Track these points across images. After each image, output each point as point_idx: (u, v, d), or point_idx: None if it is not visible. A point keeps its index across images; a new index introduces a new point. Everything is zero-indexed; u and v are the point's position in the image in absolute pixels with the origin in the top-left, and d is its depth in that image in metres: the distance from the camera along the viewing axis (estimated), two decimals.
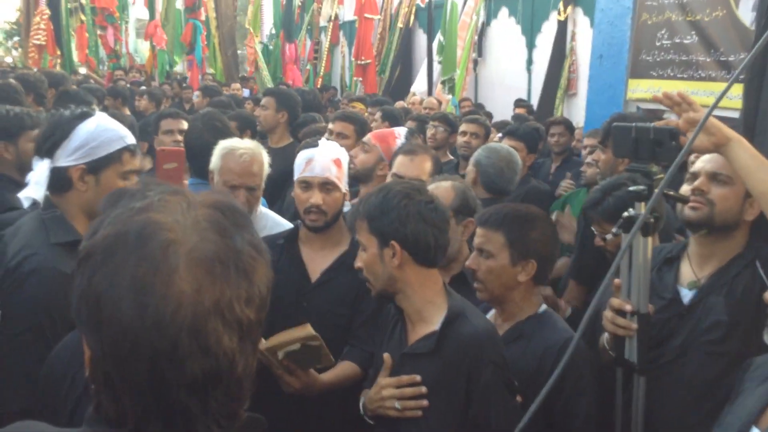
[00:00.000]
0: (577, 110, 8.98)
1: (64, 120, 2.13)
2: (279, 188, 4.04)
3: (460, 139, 5.07)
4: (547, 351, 2.13)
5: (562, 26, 9.38)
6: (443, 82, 11.06)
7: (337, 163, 2.65)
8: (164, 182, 0.97)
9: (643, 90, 6.54)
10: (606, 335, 2.22)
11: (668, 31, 6.30)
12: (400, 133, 3.74)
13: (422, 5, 12.56)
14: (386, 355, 2.07)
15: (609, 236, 2.65)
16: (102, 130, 2.12)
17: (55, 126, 2.13)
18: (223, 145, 2.86)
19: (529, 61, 10.39)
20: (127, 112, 7.73)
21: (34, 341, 1.98)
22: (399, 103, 8.68)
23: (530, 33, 10.38)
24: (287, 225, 2.99)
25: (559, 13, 9.39)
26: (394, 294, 2.05)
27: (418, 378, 1.96)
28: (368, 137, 3.73)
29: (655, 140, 2.04)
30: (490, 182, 3.52)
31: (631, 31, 6.64)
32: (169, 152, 2.30)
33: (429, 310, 2.02)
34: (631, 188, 2.12)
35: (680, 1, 6.14)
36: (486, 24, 11.40)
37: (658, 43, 6.40)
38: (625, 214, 2.08)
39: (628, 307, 2.09)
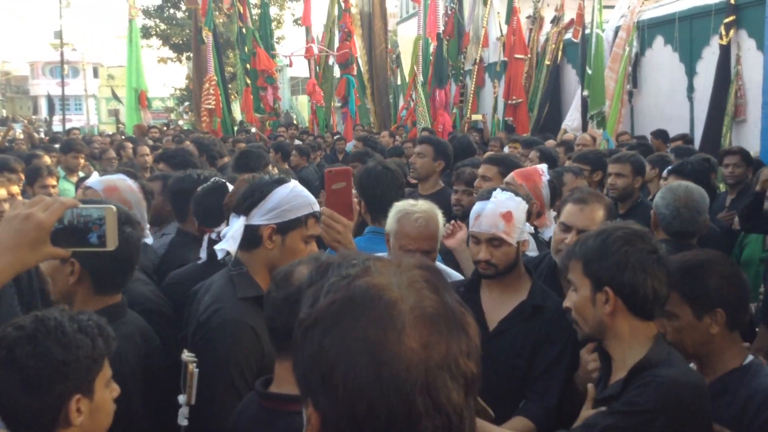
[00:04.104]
0: (747, 138, 8.39)
1: (264, 183, 2.34)
2: None
3: (608, 180, 4.73)
4: (750, 399, 1.95)
5: (725, 51, 8.84)
6: (591, 117, 10.76)
7: (507, 216, 2.57)
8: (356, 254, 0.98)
9: None
10: None
11: None
12: (544, 169, 3.57)
13: (575, 40, 12.32)
14: (590, 386, 2.00)
15: None
16: (294, 195, 2.30)
17: (254, 188, 2.33)
18: (398, 208, 2.82)
19: (690, 89, 9.86)
20: (286, 166, 8.14)
21: (225, 391, 2.11)
22: (549, 142, 8.46)
23: (689, 60, 9.87)
24: (460, 277, 2.98)
25: (721, 38, 8.86)
26: (602, 340, 1.98)
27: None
28: (512, 176, 3.53)
29: None
30: (666, 224, 3.26)
31: None
32: (337, 172, 2.25)
33: (633, 360, 1.90)
34: None
35: None
36: (640, 54, 10.97)
37: None
38: None
39: None
